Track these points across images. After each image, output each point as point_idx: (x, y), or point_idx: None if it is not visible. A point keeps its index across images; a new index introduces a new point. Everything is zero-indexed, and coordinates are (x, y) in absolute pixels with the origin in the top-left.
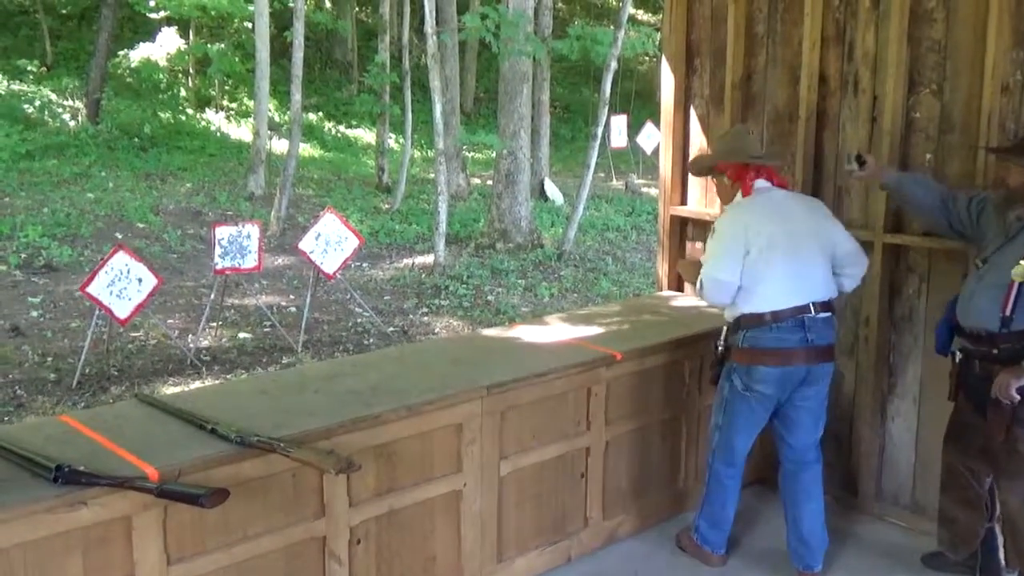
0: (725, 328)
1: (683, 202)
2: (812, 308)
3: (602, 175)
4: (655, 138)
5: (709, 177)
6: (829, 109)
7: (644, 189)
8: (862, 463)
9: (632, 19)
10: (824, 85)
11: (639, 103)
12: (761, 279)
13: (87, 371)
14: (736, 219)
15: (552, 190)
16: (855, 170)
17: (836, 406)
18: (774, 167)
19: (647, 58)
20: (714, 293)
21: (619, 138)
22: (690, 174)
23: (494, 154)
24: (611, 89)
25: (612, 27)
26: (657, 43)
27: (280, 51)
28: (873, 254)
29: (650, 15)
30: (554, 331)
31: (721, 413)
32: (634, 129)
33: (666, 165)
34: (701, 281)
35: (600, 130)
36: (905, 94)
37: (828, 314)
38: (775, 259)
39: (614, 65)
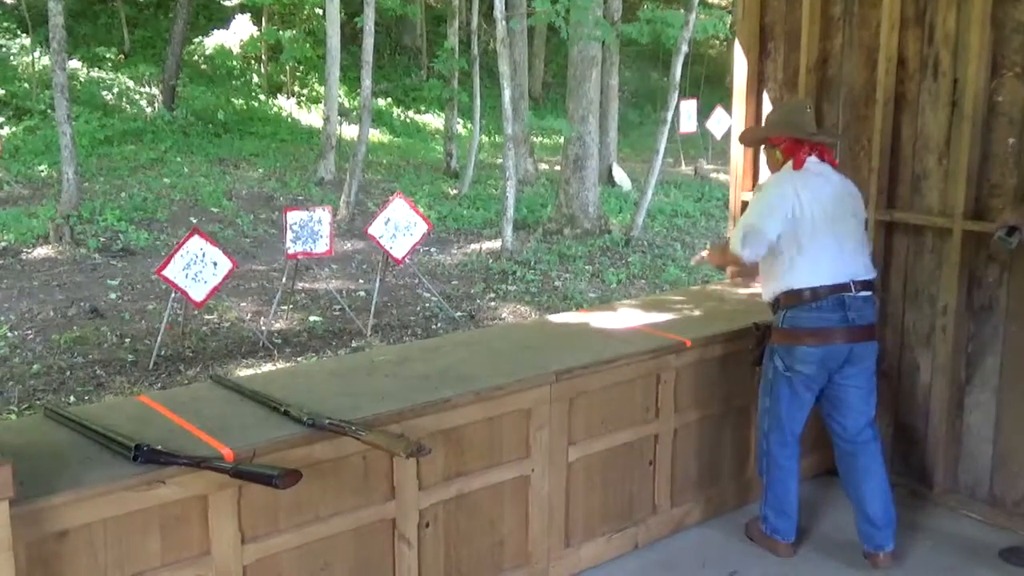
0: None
1: (754, 187)
2: (852, 287)
3: (671, 160)
4: (725, 123)
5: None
6: (907, 93)
7: (713, 175)
8: (938, 455)
9: (703, 2)
10: (902, 68)
11: (708, 87)
12: (803, 251)
13: (163, 352)
14: (786, 183)
15: (620, 175)
16: (1014, 243)
17: (911, 397)
18: (827, 146)
19: (717, 41)
20: (753, 242)
21: (688, 123)
22: (740, 143)
23: (562, 139)
24: (681, 73)
25: (682, 10)
26: (728, 26)
27: (350, 37)
28: (952, 241)
29: None
30: (622, 317)
31: (768, 396)
32: (703, 114)
33: (737, 150)
34: (742, 231)
35: (670, 115)
36: (988, 77)
37: (868, 293)
38: (819, 233)
39: (685, 49)
